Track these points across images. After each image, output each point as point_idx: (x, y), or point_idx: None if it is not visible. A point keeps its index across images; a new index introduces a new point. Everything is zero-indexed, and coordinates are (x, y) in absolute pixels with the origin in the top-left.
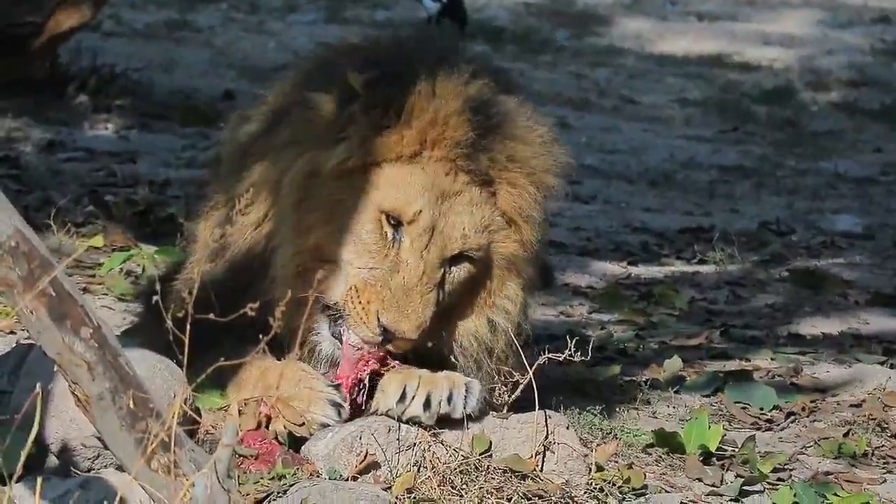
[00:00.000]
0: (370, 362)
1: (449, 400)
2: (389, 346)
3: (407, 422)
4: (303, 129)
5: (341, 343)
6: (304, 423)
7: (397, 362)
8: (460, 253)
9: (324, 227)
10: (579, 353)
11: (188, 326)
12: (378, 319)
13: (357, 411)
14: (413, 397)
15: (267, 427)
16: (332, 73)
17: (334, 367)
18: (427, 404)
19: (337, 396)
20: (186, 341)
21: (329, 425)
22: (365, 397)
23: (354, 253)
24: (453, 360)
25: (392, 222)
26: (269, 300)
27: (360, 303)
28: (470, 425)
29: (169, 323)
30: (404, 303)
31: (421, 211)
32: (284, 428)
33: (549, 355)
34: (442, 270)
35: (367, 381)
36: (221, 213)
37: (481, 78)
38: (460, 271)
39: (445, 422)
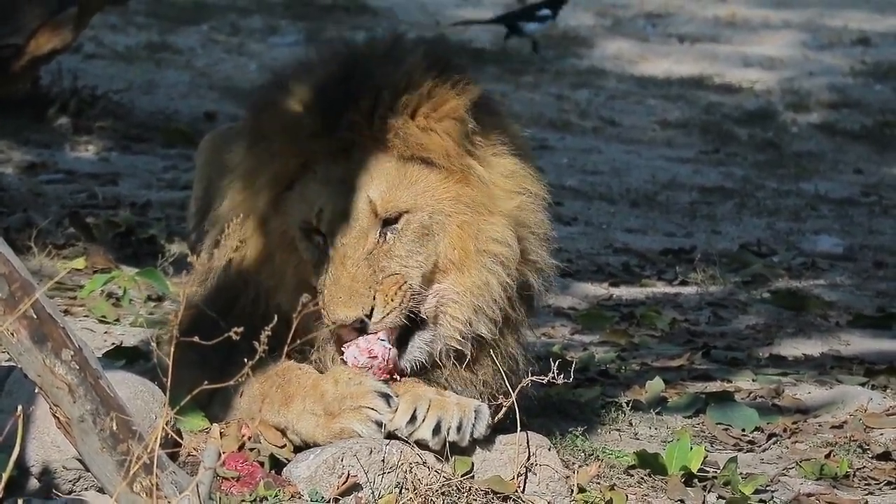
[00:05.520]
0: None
1: (458, 428)
2: (376, 332)
3: (413, 443)
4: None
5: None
6: (284, 445)
7: (400, 377)
8: (385, 218)
9: (297, 268)
10: (562, 376)
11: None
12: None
13: None
14: (423, 420)
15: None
16: None
17: None
18: (437, 430)
19: (385, 388)
20: (170, 363)
21: (382, 423)
22: None
23: (315, 276)
24: (460, 326)
25: (308, 230)
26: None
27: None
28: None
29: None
30: (335, 291)
31: (321, 210)
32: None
33: (532, 378)
34: (370, 244)
35: None
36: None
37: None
38: (404, 231)
39: (451, 446)
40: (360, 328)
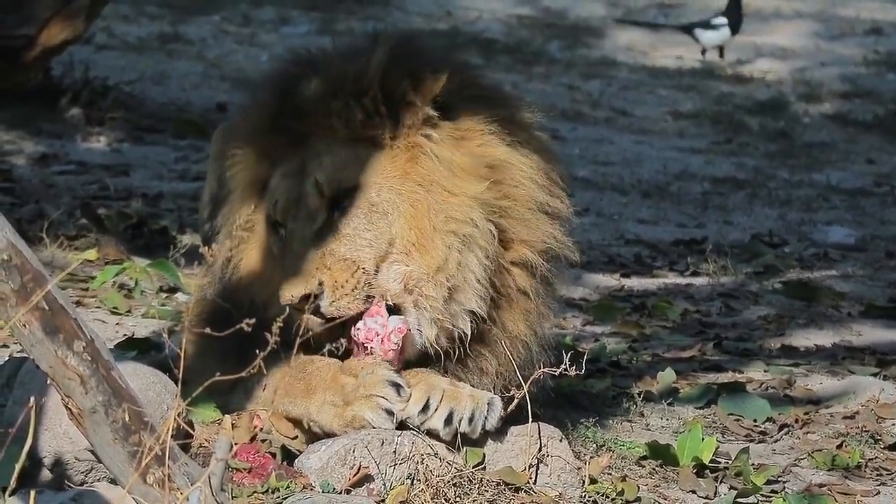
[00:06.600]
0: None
1: (470, 420)
2: (327, 310)
3: (424, 432)
4: None
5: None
6: (296, 437)
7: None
8: (331, 196)
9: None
10: (574, 367)
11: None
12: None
13: None
14: (436, 410)
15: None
16: None
17: None
18: (448, 420)
19: (397, 378)
20: (182, 354)
21: (392, 412)
22: None
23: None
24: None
25: (274, 224)
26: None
27: None
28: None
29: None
30: (288, 271)
31: (277, 200)
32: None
33: (544, 369)
34: (318, 224)
35: None
36: None
37: None
38: (350, 209)
39: (463, 437)
40: (315, 310)
